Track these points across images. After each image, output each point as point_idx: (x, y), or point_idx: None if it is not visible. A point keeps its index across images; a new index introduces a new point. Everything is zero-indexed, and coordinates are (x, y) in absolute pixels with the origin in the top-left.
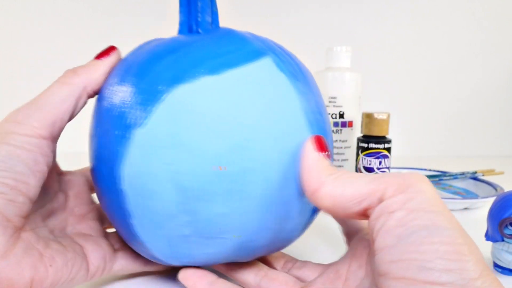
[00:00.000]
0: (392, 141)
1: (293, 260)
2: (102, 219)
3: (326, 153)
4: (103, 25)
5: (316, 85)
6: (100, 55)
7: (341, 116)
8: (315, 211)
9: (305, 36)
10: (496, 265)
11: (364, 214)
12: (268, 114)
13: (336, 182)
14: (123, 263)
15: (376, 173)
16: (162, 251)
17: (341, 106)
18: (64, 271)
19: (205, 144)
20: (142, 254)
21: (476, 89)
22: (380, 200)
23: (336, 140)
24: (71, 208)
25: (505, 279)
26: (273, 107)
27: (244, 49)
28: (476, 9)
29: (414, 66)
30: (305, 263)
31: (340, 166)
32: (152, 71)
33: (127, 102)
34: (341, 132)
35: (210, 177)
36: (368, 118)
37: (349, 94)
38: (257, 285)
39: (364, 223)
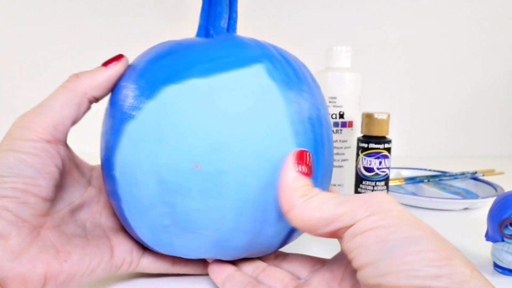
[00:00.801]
0: (392, 141)
1: (283, 254)
2: None
3: (306, 169)
4: (103, 25)
5: (318, 94)
6: (107, 62)
7: (341, 116)
8: (291, 231)
9: (305, 36)
10: (496, 265)
11: (334, 235)
12: (248, 120)
13: (306, 206)
14: (151, 260)
15: (361, 192)
16: (147, 237)
17: (341, 106)
18: (80, 265)
19: (184, 142)
20: (134, 238)
21: (476, 89)
22: (351, 223)
23: (336, 140)
24: (105, 201)
25: (505, 279)
26: (255, 114)
27: (237, 55)
28: (476, 9)
29: (414, 66)
30: (296, 257)
31: (340, 167)
32: (150, 70)
33: (127, 97)
34: (341, 132)
35: (187, 173)
36: (368, 118)
37: (349, 94)
38: (254, 278)
39: None
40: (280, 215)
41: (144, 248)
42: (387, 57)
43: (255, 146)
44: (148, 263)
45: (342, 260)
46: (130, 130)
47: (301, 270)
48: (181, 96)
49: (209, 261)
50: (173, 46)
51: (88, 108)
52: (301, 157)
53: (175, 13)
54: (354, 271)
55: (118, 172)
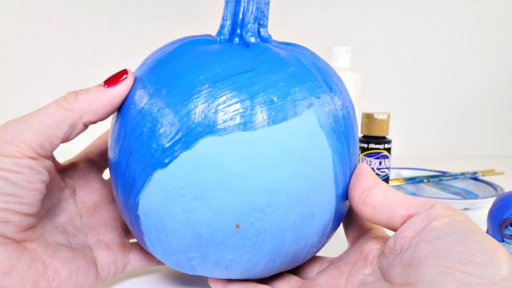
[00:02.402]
0: (392, 141)
1: None
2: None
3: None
4: (104, 25)
5: (351, 108)
6: (110, 81)
7: None
8: (316, 253)
9: (305, 36)
10: None
11: (398, 222)
12: (297, 180)
13: (389, 187)
14: (136, 264)
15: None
16: (168, 264)
17: None
18: (68, 283)
19: (226, 203)
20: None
21: (476, 89)
22: (427, 209)
23: None
24: (82, 200)
25: None
26: (304, 172)
27: (287, 97)
28: (476, 10)
29: (414, 66)
30: None
31: None
32: (185, 106)
33: (153, 135)
34: None
35: (226, 231)
36: (368, 118)
37: (349, 94)
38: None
39: (372, 225)
40: (304, 258)
41: (128, 252)
42: (387, 57)
43: (298, 207)
44: (133, 268)
45: (349, 258)
46: (160, 179)
47: (309, 271)
48: (223, 152)
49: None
50: (206, 69)
51: (82, 130)
52: None
53: (175, 12)
54: (362, 268)
55: (143, 213)
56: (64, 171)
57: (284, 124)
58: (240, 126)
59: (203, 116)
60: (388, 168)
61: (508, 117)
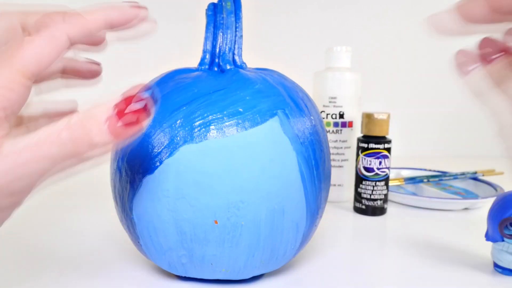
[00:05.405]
0: (392, 141)
1: None
2: None
3: None
4: None
5: (316, 119)
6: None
7: (341, 116)
8: (298, 251)
9: (305, 36)
10: (496, 265)
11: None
12: (265, 178)
13: None
14: None
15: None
16: (163, 266)
17: (341, 106)
18: None
19: (204, 201)
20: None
21: None
22: None
23: (336, 140)
24: None
25: (505, 279)
26: (272, 171)
27: (252, 108)
28: None
29: (414, 66)
30: None
31: (340, 167)
32: (166, 122)
33: (142, 148)
34: (341, 132)
35: (206, 227)
36: (368, 118)
37: (349, 94)
38: None
39: None
40: (284, 252)
41: None
42: (387, 57)
43: (268, 200)
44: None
45: None
46: (148, 184)
47: None
48: (200, 156)
49: None
50: (187, 91)
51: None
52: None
53: (174, 13)
54: None
55: (136, 216)
56: None
57: (250, 131)
58: (213, 134)
59: (182, 128)
60: (388, 168)
61: None
